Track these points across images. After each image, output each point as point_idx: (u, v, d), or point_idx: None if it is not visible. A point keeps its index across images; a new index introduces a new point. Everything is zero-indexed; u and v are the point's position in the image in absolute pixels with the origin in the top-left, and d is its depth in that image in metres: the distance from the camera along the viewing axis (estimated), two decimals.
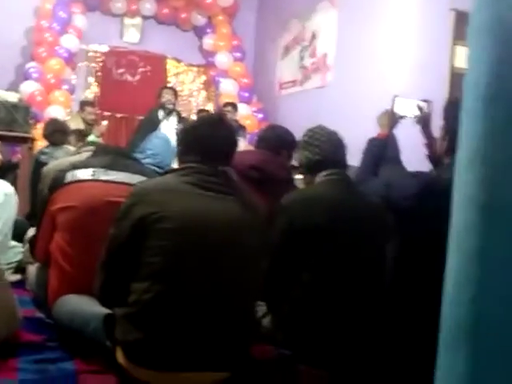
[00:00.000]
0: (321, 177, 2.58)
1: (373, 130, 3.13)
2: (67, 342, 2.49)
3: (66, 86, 8.01)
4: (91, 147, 3.19)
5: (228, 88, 8.83)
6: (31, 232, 3.36)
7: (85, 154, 3.08)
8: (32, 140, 6.18)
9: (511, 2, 1.12)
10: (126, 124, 8.93)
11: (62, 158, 4.17)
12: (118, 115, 8.95)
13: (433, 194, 2.40)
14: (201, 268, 2.09)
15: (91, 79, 9.04)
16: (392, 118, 3.01)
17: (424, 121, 3.00)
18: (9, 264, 3.58)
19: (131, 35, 9.25)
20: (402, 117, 3.02)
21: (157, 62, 9.24)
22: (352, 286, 2.43)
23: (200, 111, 7.68)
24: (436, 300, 1.26)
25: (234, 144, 2.39)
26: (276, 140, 3.26)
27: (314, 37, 7.52)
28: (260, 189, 2.93)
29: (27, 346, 2.48)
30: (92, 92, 8.99)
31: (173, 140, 3.86)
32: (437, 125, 2.77)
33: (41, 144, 6.03)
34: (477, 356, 1.11)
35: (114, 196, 2.57)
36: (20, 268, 3.59)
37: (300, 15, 7.87)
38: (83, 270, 2.52)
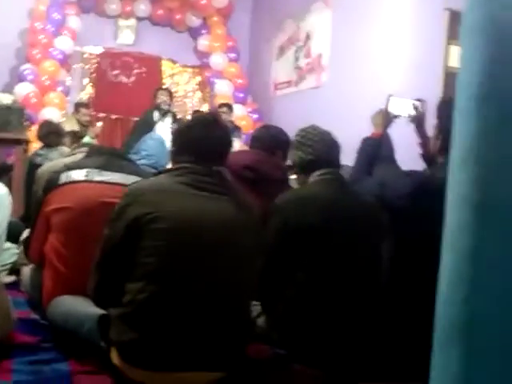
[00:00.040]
0: (314, 176, 2.58)
1: (367, 130, 3.13)
2: (62, 343, 2.49)
3: (60, 88, 8.01)
4: (85, 148, 3.18)
5: (223, 89, 8.83)
6: (26, 234, 3.35)
7: (79, 155, 3.07)
8: (26, 142, 6.17)
9: (503, 2, 1.13)
10: (121, 125, 8.92)
11: (57, 159, 4.16)
12: (113, 117, 8.94)
13: (427, 193, 2.40)
14: (195, 268, 2.09)
15: (86, 81, 9.03)
16: (386, 118, 3.01)
17: (418, 120, 3.00)
18: (3, 265, 3.57)
19: (126, 36, 9.23)
20: (396, 116, 3.02)
21: (152, 64, 9.23)
22: (347, 285, 2.43)
23: (195, 112, 7.68)
24: (430, 299, 1.26)
25: (229, 144, 2.39)
26: (270, 140, 3.25)
27: (308, 37, 7.53)
28: (254, 189, 2.93)
29: (21, 348, 2.47)
30: (87, 93, 8.97)
31: (168, 141, 3.86)
32: (431, 124, 2.77)
33: (35, 146, 6.02)
34: (471, 355, 1.11)
35: (108, 197, 2.57)
36: (14, 269, 3.58)
37: (294, 16, 7.87)
38: (78, 270, 2.52)
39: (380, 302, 2.48)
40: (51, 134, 5.42)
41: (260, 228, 2.35)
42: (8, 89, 7.73)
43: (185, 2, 8.93)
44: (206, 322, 2.10)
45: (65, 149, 5.22)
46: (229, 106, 7.52)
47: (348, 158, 2.97)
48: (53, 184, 2.70)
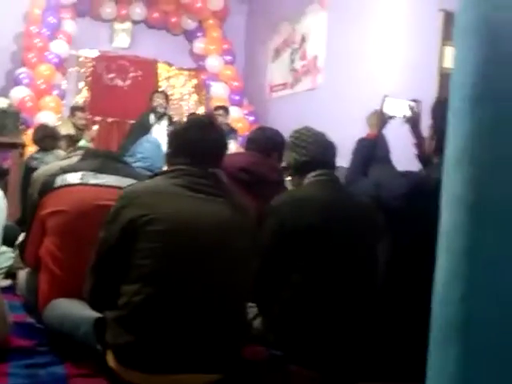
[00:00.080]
0: (309, 178, 2.58)
1: (363, 131, 3.14)
2: (58, 347, 2.48)
3: (56, 92, 8.00)
4: (81, 151, 3.17)
5: (219, 91, 8.83)
6: (22, 237, 3.34)
7: (75, 158, 3.06)
8: (22, 146, 6.16)
9: (496, 3, 1.13)
10: (117, 129, 8.90)
11: (52, 163, 4.15)
12: (109, 120, 8.93)
13: (422, 193, 2.40)
14: (191, 270, 2.09)
15: (82, 84, 9.01)
16: (381, 118, 3.01)
17: (413, 121, 3.00)
18: None
19: (121, 40, 9.22)
20: (391, 117, 3.02)
21: (148, 67, 9.22)
22: (343, 286, 2.43)
23: (191, 115, 7.67)
24: (426, 299, 1.26)
25: (224, 146, 2.39)
26: (266, 142, 3.25)
27: (303, 39, 7.53)
28: (250, 191, 2.93)
29: (17, 351, 2.46)
30: (83, 97, 8.96)
31: (164, 144, 3.86)
32: (426, 125, 2.77)
33: (31, 150, 6.01)
34: (468, 354, 1.11)
35: (104, 199, 2.56)
36: (10, 273, 3.57)
37: (290, 18, 7.87)
38: (73, 274, 2.51)
39: (376, 302, 2.48)
40: (47, 138, 5.42)
41: (256, 230, 2.35)
42: (3, 93, 7.72)
43: (180, 5, 8.93)
44: (202, 323, 2.09)
45: (60, 152, 5.21)
46: (225, 109, 7.51)
47: (345, 159, 2.97)
48: (48, 187, 2.70)
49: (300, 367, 2.33)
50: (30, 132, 6.36)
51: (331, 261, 2.41)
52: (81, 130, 6.96)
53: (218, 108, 7.54)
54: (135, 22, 9.19)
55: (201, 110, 9.18)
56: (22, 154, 6.06)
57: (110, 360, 2.13)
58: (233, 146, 6.41)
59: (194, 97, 9.56)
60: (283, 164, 2.80)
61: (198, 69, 9.34)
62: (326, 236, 2.41)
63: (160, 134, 6.50)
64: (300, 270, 2.41)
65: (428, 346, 1.18)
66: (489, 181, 1.12)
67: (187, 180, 2.18)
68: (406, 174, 2.68)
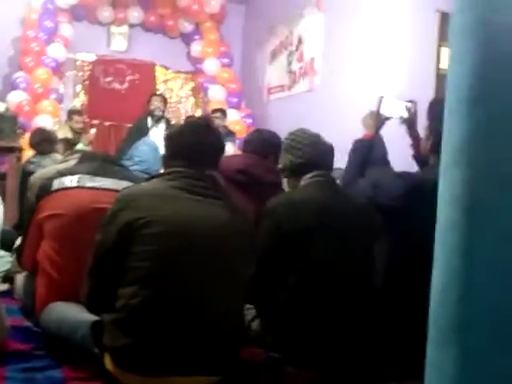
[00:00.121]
0: (306, 179, 2.58)
1: (360, 133, 3.13)
2: (55, 350, 2.47)
3: (53, 96, 7.99)
4: (78, 155, 3.17)
5: (216, 94, 8.83)
6: (19, 241, 3.34)
7: (72, 162, 3.05)
8: (19, 150, 6.16)
9: (493, 5, 1.13)
10: (114, 132, 8.89)
11: (50, 166, 4.14)
12: (107, 123, 8.92)
13: (419, 194, 2.40)
14: (188, 272, 2.09)
15: (79, 88, 9.02)
16: (378, 119, 3.01)
17: (409, 122, 3.00)
18: None
19: (118, 43, 9.22)
20: (387, 118, 3.02)
21: (145, 70, 9.21)
22: (339, 287, 2.43)
23: (188, 118, 7.67)
24: (423, 300, 1.26)
25: (221, 149, 2.39)
26: (263, 144, 3.26)
27: (300, 41, 7.53)
28: (247, 193, 2.93)
29: (15, 355, 2.45)
30: (80, 101, 8.96)
31: (162, 147, 3.86)
32: (423, 125, 2.77)
33: (28, 154, 6.00)
34: (466, 355, 1.11)
35: (101, 203, 2.55)
36: (8, 277, 3.56)
37: (287, 20, 7.87)
38: (71, 277, 2.50)
39: (373, 303, 2.48)
40: (44, 142, 5.42)
41: (253, 232, 2.35)
42: (1, 97, 7.72)
43: (177, 8, 8.92)
44: (199, 326, 2.09)
45: (58, 156, 5.21)
46: (222, 111, 7.51)
47: (342, 160, 2.97)
48: (45, 190, 2.69)
49: (298, 369, 2.32)
50: (27, 136, 6.36)
51: (327, 262, 2.41)
52: (78, 133, 6.97)
53: (215, 111, 7.55)
54: (132, 26, 9.19)
55: (198, 113, 9.18)
56: (19, 158, 6.06)
57: (108, 363, 2.12)
58: (230, 149, 6.41)
59: (192, 100, 9.56)
60: (279, 166, 2.80)
61: (196, 72, 9.35)
62: (323, 237, 2.41)
63: (158, 137, 6.48)
64: (295, 271, 2.40)
65: (426, 347, 1.18)
66: (485, 182, 1.12)
67: (184, 182, 2.18)
68: (403, 175, 2.68)
